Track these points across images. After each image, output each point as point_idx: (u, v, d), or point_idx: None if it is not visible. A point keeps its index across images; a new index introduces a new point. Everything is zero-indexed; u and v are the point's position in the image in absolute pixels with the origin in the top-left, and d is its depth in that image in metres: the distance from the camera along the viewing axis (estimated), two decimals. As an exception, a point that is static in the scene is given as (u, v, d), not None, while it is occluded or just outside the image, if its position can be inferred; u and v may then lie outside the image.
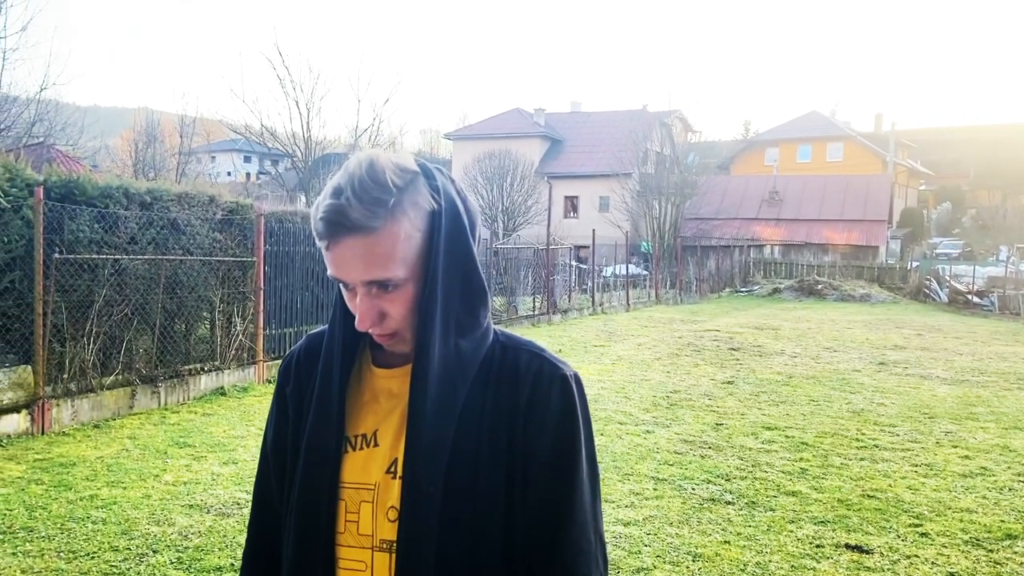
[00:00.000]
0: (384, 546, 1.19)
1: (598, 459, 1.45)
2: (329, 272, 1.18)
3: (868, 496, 5.79)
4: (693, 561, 4.55)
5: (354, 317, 1.19)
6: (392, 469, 1.20)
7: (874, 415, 8.60)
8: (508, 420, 1.19)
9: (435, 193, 1.18)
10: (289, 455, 1.30)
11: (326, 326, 1.30)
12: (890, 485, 6.07)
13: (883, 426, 8.09)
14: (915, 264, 36.20)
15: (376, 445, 1.23)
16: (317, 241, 1.17)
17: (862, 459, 6.81)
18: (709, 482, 6.09)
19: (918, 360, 13.09)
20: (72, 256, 7.70)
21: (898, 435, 7.71)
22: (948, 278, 29.79)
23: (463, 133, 49.82)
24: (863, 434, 7.71)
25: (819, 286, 30.65)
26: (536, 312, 18.22)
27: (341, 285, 1.20)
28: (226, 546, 4.61)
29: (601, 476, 1.31)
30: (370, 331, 1.20)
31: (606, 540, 1.39)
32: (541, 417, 1.20)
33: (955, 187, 67.84)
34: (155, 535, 4.77)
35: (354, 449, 1.24)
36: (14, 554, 4.46)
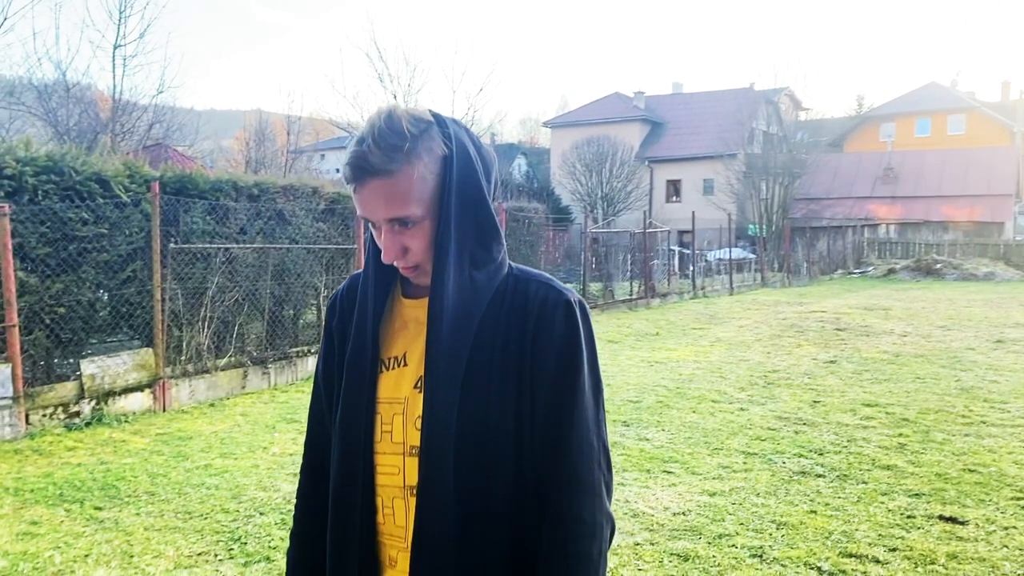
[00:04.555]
0: (413, 451, 1.34)
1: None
2: (358, 212, 1.34)
3: (969, 470, 5.60)
4: (777, 529, 4.55)
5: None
6: (419, 385, 1.36)
7: (984, 392, 8.25)
8: (518, 340, 1.32)
9: (447, 140, 1.32)
10: (335, 379, 1.47)
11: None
12: (994, 460, 5.85)
13: (993, 403, 7.75)
14: (1046, 240, 34.00)
15: (405, 365, 1.39)
16: (346, 185, 1.33)
17: (967, 435, 6.57)
18: (801, 456, 6.02)
19: (1041, 338, 12.39)
20: (187, 246, 8.25)
21: (1009, 412, 7.38)
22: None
23: (561, 120, 49.80)
24: (970, 411, 7.42)
25: (938, 265, 29.22)
26: (634, 296, 18.15)
27: (370, 224, 1.36)
28: (325, 509, 4.90)
29: (603, 388, 1.41)
30: (395, 263, 1.35)
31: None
32: (547, 336, 1.32)
33: (1093, 157, 63.13)
34: (262, 499, 5.12)
35: (387, 369, 1.40)
36: (137, 515, 4.88)
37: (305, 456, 1.59)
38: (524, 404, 1.31)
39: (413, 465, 1.33)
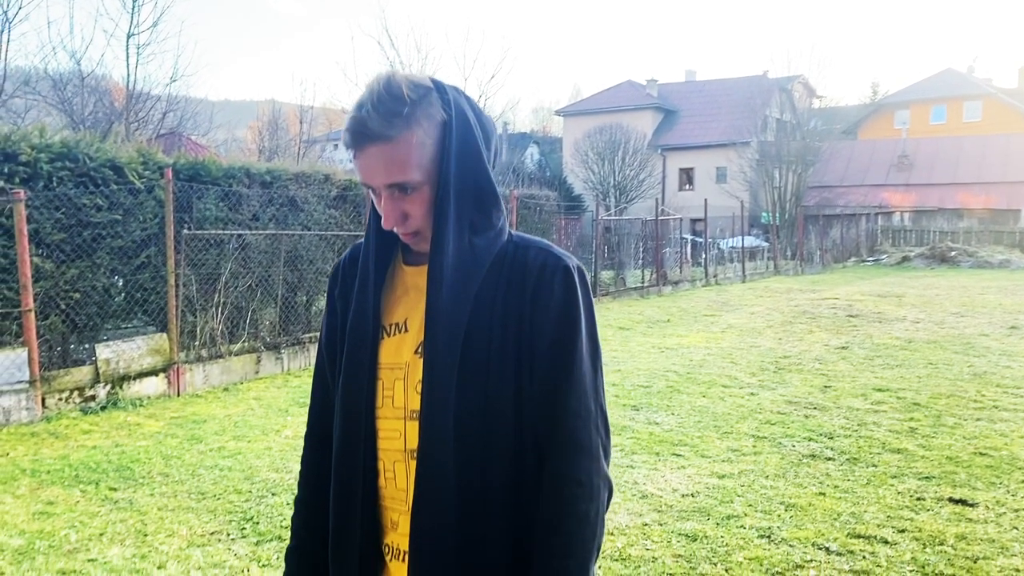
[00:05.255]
0: (413, 415, 1.36)
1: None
2: (359, 179, 1.36)
3: (980, 454, 5.59)
4: (785, 510, 4.56)
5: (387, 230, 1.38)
6: (419, 350, 1.37)
7: (997, 377, 8.21)
8: (517, 305, 1.34)
9: (447, 106, 1.33)
10: (338, 347, 1.49)
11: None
12: (1006, 444, 5.84)
13: (1006, 388, 7.72)
14: (1063, 227, 33.64)
15: (406, 331, 1.41)
16: (346, 151, 1.35)
17: (978, 419, 6.55)
18: (810, 440, 6.02)
19: (1056, 324, 12.30)
20: (200, 232, 8.30)
21: (1022, 396, 7.34)
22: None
23: (574, 109, 49.63)
24: (983, 395, 7.39)
25: (952, 253, 28.99)
26: (645, 284, 18.12)
27: (370, 191, 1.37)
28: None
29: (603, 357, 1.42)
30: (395, 230, 1.37)
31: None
32: (545, 301, 1.34)
33: (1112, 144, 62.36)
34: (274, 480, 5.17)
35: (388, 336, 1.42)
36: (152, 495, 4.95)
37: (309, 425, 1.61)
38: (523, 368, 1.33)
39: (414, 429, 1.35)
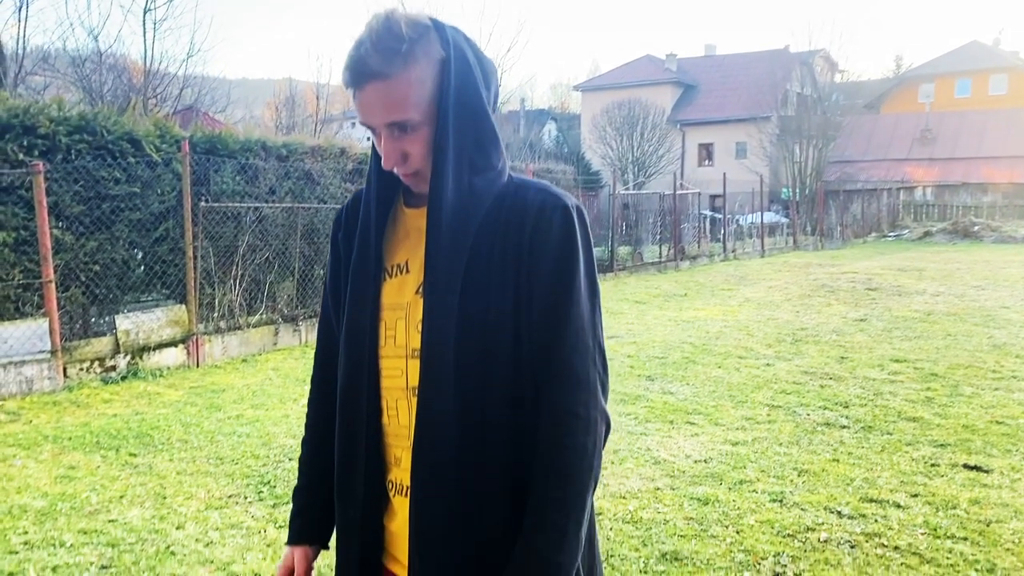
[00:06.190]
0: (415, 354, 1.37)
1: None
2: (359, 120, 1.37)
3: (997, 422, 5.56)
4: (798, 476, 4.57)
5: (388, 172, 1.39)
6: (420, 290, 1.38)
7: (1018, 348, 8.14)
8: (516, 244, 1.34)
9: (445, 45, 1.33)
10: (342, 289, 1.51)
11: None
12: (1024, 413, 5.80)
13: (1026, 359, 7.65)
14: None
15: (408, 272, 1.42)
16: (346, 91, 1.35)
17: (996, 389, 6.51)
18: (825, 408, 6.01)
19: (1079, 297, 12.15)
20: (217, 205, 8.36)
21: (1042, 367, 7.29)
22: None
23: (592, 84, 49.23)
24: (1002, 366, 7.33)
25: (975, 228, 28.64)
26: (663, 259, 18.06)
27: (371, 132, 1.38)
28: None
29: (600, 291, 1.42)
30: (395, 170, 1.38)
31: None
32: (544, 239, 1.34)
33: None
34: (291, 446, 5.24)
35: (390, 277, 1.44)
36: (171, 460, 5.03)
37: (315, 368, 1.64)
38: (521, 306, 1.34)
39: (415, 367, 1.37)
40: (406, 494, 1.37)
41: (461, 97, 1.34)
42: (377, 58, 1.29)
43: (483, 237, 1.35)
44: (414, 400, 1.36)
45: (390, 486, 1.43)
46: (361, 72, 1.30)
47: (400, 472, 1.41)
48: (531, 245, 1.34)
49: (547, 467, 1.30)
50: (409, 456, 1.36)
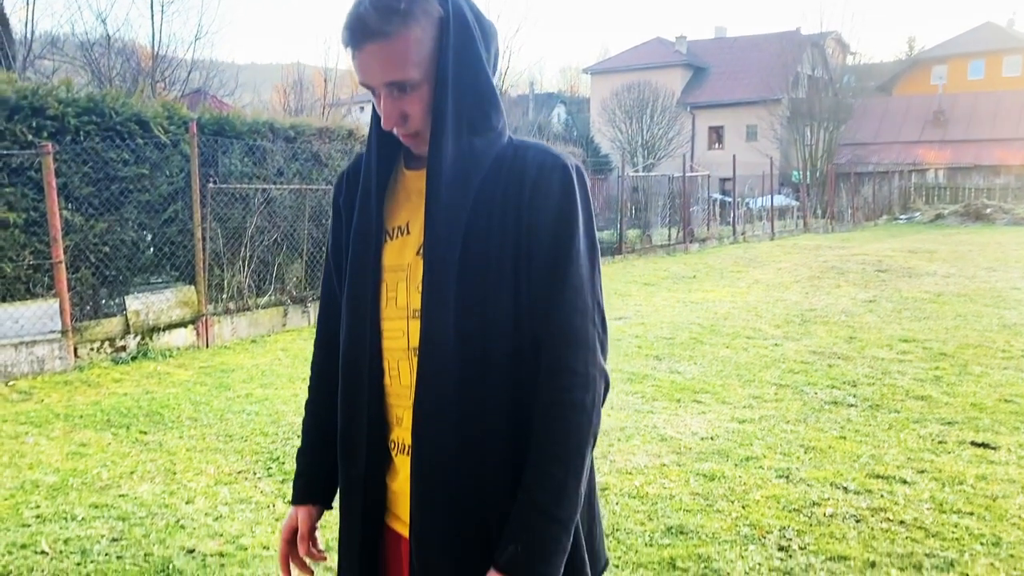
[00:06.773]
0: (415, 314, 1.38)
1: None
2: (358, 80, 1.37)
3: (1005, 401, 5.55)
4: (804, 452, 4.57)
5: (388, 134, 1.39)
6: (420, 251, 1.39)
7: (1028, 328, 8.11)
8: (515, 204, 1.35)
9: (444, 3, 1.33)
10: (344, 252, 1.52)
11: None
12: (1032, 391, 5.78)
13: (1036, 339, 7.62)
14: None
15: (408, 234, 1.43)
16: (344, 51, 1.35)
17: (1005, 368, 6.49)
18: (833, 387, 6.01)
19: (1091, 278, 12.07)
20: (225, 186, 8.38)
21: (1052, 347, 7.25)
22: None
23: (601, 67, 48.97)
24: (1011, 345, 7.30)
25: (987, 210, 28.45)
26: (672, 242, 18.01)
27: (370, 92, 1.38)
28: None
29: (599, 251, 1.42)
30: (395, 131, 1.38)
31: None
32: (543, 199, 1.34)
33: None
34: (299, 424, 5.24)
35: (391, 239, 1.44)
36: (181, 438, 5.07)
37: (318, 332, 1.65)
38: (521, 265, 1.34)
39: (416, 327, 1.37)
40: (408, 453, 1.39)
41: (460, 56, 1.34)
42: (376, 17, 1.29)
43: (483, 197, 1.35)
44: (415, 360, 1.37)
45: (392, 445, 1.44)
46: (360, 31, 1.30)
47: (402, 431, 1.42)
48: (530, 204, 1.34)
49: (546, 424, 1.30)
50: (410, 415, 1.37)
